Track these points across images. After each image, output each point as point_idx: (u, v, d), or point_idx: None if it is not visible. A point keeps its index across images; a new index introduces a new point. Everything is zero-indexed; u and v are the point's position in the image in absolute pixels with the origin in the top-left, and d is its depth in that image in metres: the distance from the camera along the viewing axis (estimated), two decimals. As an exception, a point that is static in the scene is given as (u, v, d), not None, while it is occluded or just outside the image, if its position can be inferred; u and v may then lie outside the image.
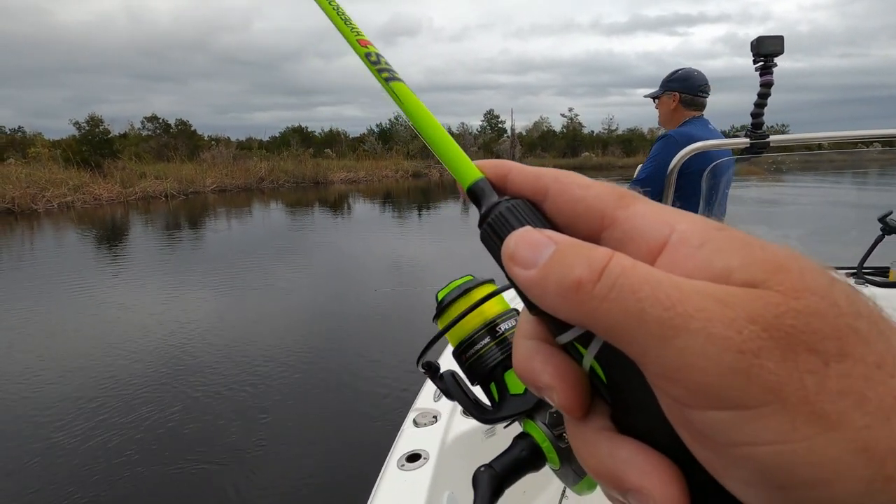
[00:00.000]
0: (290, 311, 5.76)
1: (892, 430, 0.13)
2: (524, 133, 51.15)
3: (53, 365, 4.28)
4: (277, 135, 37.72)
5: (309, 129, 38.21)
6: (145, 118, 30.81)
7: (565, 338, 0.18)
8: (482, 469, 0.38)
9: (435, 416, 1.36)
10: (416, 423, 1.33)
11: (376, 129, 42.14)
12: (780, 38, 1.50)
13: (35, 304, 6.06)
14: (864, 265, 1.57)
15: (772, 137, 1.57)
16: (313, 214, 15.38)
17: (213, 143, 29.85)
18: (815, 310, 0.14)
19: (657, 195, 2.24)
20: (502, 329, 0.40)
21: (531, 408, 0.37)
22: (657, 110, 2.41)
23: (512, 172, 0.21)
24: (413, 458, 1.19)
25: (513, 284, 0.18)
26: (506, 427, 0.39)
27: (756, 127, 1.58)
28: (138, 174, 19.62)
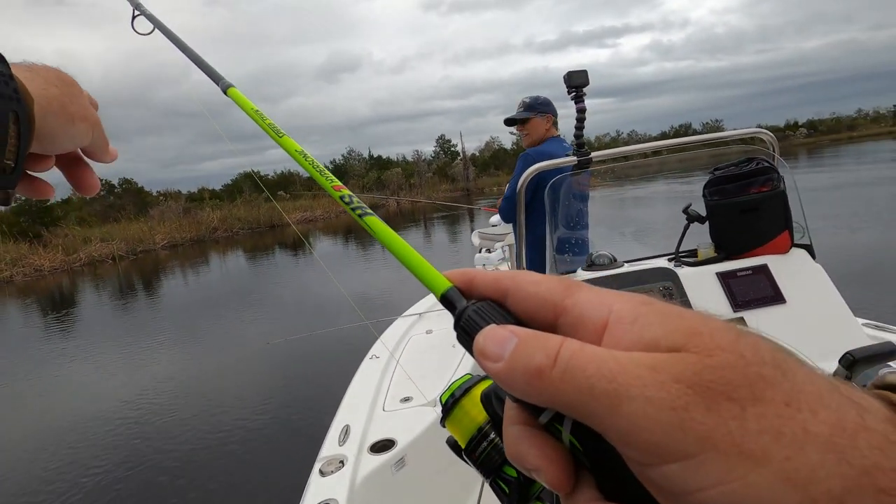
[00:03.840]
0: (222, 372, 5.71)
1: (808, 457, 0.15)
2: (477, 154, 52.34)
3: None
4: (230, 182, 37.35)
5: (261, 173, 37.98)
6: (87, 181, 29.91)
7: (544, 418, 0.20)
8: None
9: (341, 461, 1.35)
10: (322, 473, 1.31)
11: (330, 166, 42.18)
12: (584, 72, 1.75)
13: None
14: (679, 250, 1.82)
15: (593, 154, 1.81)
16: (265, 259, 15.24)
17: (161, 198, 29.24)
18: (727, 364, 0.16)
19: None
20: None
21: (539, 489, 0.37)
22: (521, 132, 2.64)
23: (476, 279, 0.24)
24: None
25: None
26: None
27: (579, 146, 1.81)
28: (81, 239, 18.97)
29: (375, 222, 0.30)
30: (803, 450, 0.15)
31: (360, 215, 0.30)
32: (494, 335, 0.20)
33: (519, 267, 2.01)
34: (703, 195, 1.76)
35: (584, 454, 0.19)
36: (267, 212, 25.64)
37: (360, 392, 1.88)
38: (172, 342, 6.88)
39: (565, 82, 1.75)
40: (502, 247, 3.32)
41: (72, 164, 0.45)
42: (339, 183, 0.33)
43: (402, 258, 0.27)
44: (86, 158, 0.45)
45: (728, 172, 1.71)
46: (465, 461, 0.43)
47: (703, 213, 1.78)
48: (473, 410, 0.41)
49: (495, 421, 0.40)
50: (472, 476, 1.90)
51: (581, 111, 1.78)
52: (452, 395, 0.43)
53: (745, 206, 1.67)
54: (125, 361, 6.23)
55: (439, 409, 1.76)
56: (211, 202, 28.28)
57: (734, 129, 1.96)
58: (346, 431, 1.54)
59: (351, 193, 0.32)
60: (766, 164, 1.70)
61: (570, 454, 0.20)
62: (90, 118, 0.42)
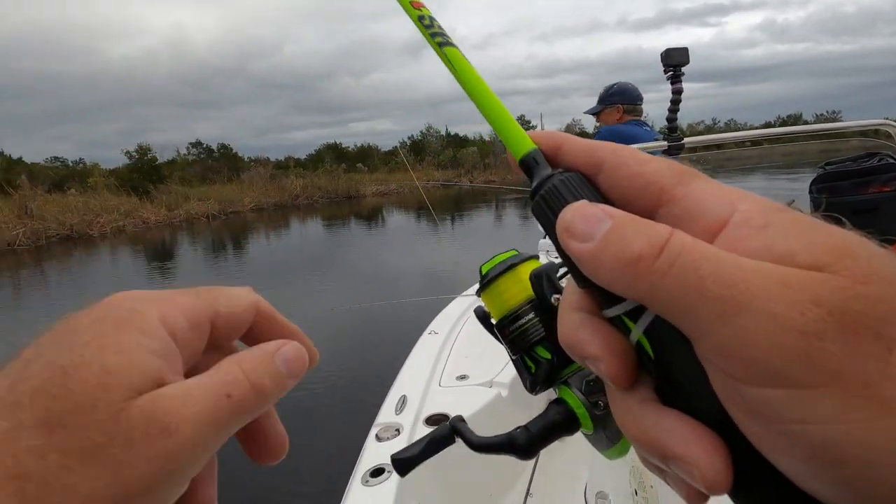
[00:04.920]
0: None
1: None
2: (556, 137, 50.63)
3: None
4: (313, 152, 39.18)
5: (343, 146, 39.52)
6: (190, 144, 32.76)
7: (614, 311, 0.18)
8: (518, 430, 0.40)
9: (397, 430, 1.38)
10: (378, 438, 1.36)
11: (407, 142, 42.96)
12: (685, 50, 1.62)
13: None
14: None
15: (686, 139, 1.68)
16: (340, 228, 15.91)
17: (252, 164, 31.33)
18: (883, 296, 0.14)
19: None
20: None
21: (567, 375, 0.38)
22: (599, 123, 2.60)
23: (566, 144, 0.21)
24: (377, 472, 1.22)
25: (563, 257, 0.18)
26: (535, 393, 0.40)
27: (671, 130, 1.69)
28: (182, 197, 20.84)
29: (457, 57, 0.25)
30: None
31: (439, 44, 0.25)
32: (585, 211, 0.17)
33: None
34: (810, 191, 1.58)
35: (653, 357, 0.18)
36: (345, 183, 26.71)
37: (417, 365, 1.92)
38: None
39: (662, 61, 1.63)
40: None
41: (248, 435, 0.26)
42: (420, 1, 0.27)
43: (483, 106, 0.23)
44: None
45: (843, 168, 1.51)
46: (494, 334, 0.43)
47: (808, 211, 1.60)
48: (514, 288, 0.40)
49: (542, 303, 0.39)
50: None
51: (677, 92, 1.65)
52: (494, 268, 0.41)
53: (860, 205, 1.48)
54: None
55: (495, 390, 1.74)
56: (295, 170, 29.83)
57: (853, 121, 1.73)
58: (402, 401, 1.59)
59: (432, 15, 0.27)
60: (892, 161, 1.48)
61: (634, 351, 0.18)
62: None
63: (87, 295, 8.24)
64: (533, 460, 1.84)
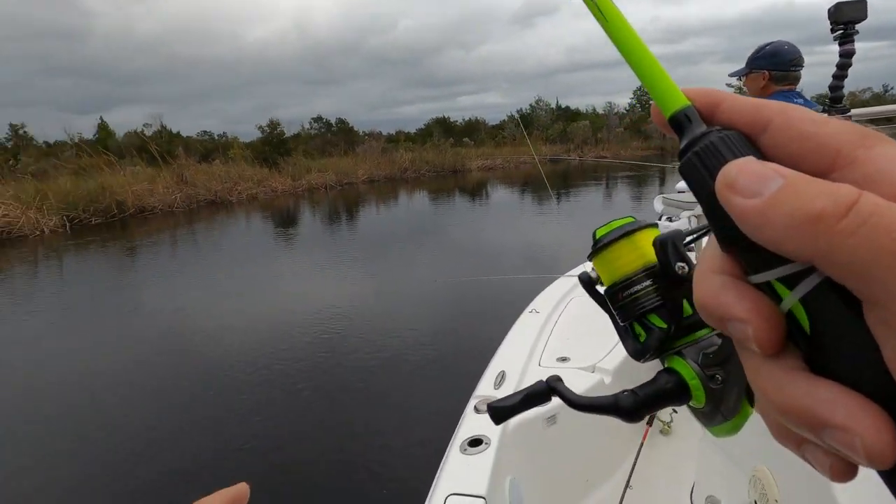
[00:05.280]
0: (413, 297, 6.32)
1: None
2: (680, 108, 46.10)
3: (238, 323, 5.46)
4: (422, 126, 40.10)
5: (451, 119, 39.90)
6: (312, 119, 35.34)
7: (764, 277, 0.17)
8: (624, 392, 0.39)
9: None
10: (477, 410, 1.39)
11: (516, 115, 42.07)
12: (862, 3, 1.35)
13: (232, 276, 7.65)
14: None
15: (853, 111, 1.43)
16: (446, 201, 16.20)
17: (366, 137, 32.98)
18: None
19: None
20: None
21: (681, 346, 0.38)
22: (745, 88, 2.28)
23: (725, 103, 0.20)
24: (475, 443, 1.25)
25: (711, 217, 0.18)
26: (643, 361, 0.40)
27: (835, 101, 1.45)
28: (305, 168, 22.71)
29: (607, 5, 0.22)
30: None
31: None
32: (752, 168, 0.16)
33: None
34: None
35: (809, 325, 0.17)
36: (451, 157, 27.09)
37: (517, 343, 1.91)
38: (361, 263, 7.97)
39: (829, 17, 1.38)
40: (689, 217, 2.91)
41: None
42: None
43: (633, 58, 0.22)
44: None
45: None
46: (598, 300, 0.43)
47: None
48: (631, 255, 0.40)
49: (664, 270, 0.38)
50: (624, 449, 1.81)
51: (847, 55, 1.41)
52: (610, 233, 0.41)
53: None
54: (325, 272, 7.46)
55: (597, 375, 1.67)
56: (404, 144, 30.84)
57: None
58: (502, 377, 1.59)
59: None
60: None
61: (784, 318, 0.17)
62: None
63: (225, 251, 9.41)
64: (634, 451, 1.75)
